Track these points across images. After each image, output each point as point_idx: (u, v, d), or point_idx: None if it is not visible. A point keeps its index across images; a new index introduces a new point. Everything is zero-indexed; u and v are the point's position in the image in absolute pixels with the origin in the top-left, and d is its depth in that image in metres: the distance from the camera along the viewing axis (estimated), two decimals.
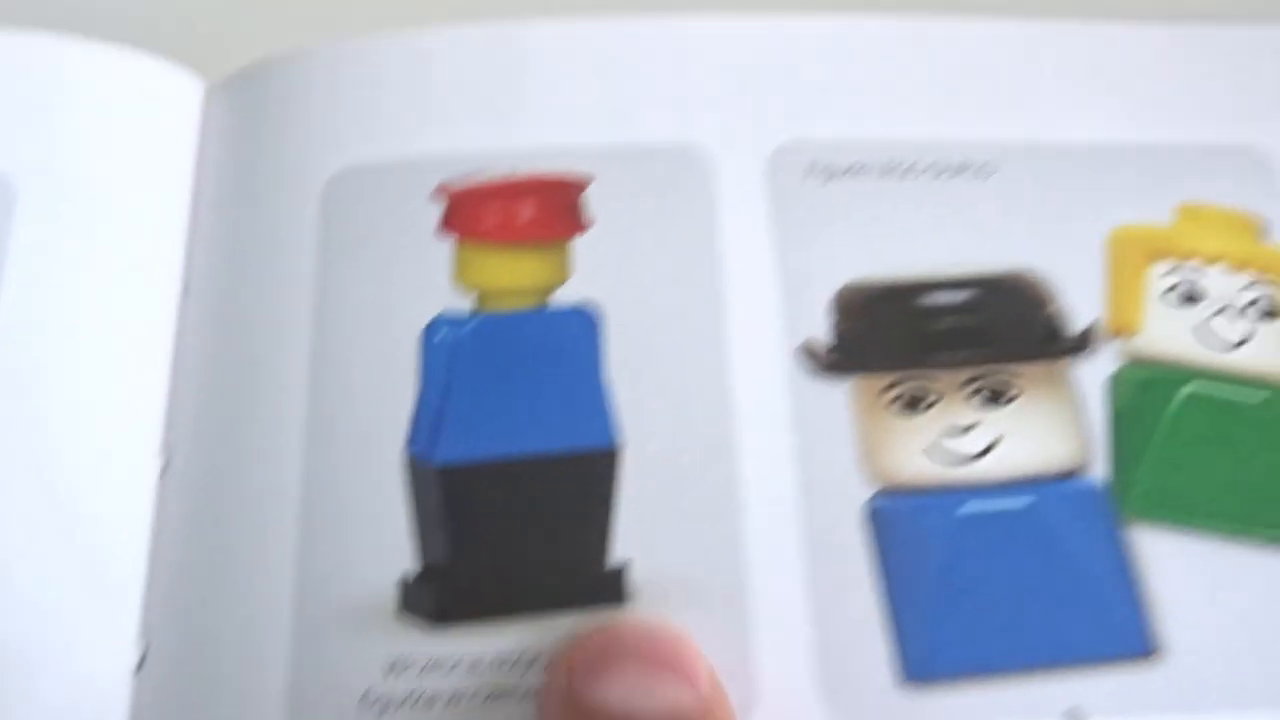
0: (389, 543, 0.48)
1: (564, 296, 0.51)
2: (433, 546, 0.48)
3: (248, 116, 0.55)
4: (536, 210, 0.50)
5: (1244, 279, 0.53)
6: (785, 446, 0.50)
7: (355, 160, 0.53)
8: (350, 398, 0.50)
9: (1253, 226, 0.55)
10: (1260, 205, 0.55)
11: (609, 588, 0.48)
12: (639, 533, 0.48)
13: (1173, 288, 0.53)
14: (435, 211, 0.52)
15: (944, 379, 0.50)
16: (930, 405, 0.50)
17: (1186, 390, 0.52)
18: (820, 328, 0.51)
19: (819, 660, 0.47)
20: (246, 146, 0.54)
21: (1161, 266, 0.53)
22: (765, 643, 0.47)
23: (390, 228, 0.52)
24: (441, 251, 0.51)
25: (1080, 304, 0.53)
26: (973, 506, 0.49)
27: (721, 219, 0.53)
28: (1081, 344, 0.52)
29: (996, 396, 0.50)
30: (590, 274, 0.51)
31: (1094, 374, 0.52)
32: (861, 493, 0.49)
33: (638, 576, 0.48)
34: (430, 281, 0.51)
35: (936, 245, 0.53)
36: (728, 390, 0.50)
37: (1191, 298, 0.53)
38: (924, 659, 0.47)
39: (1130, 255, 0.54)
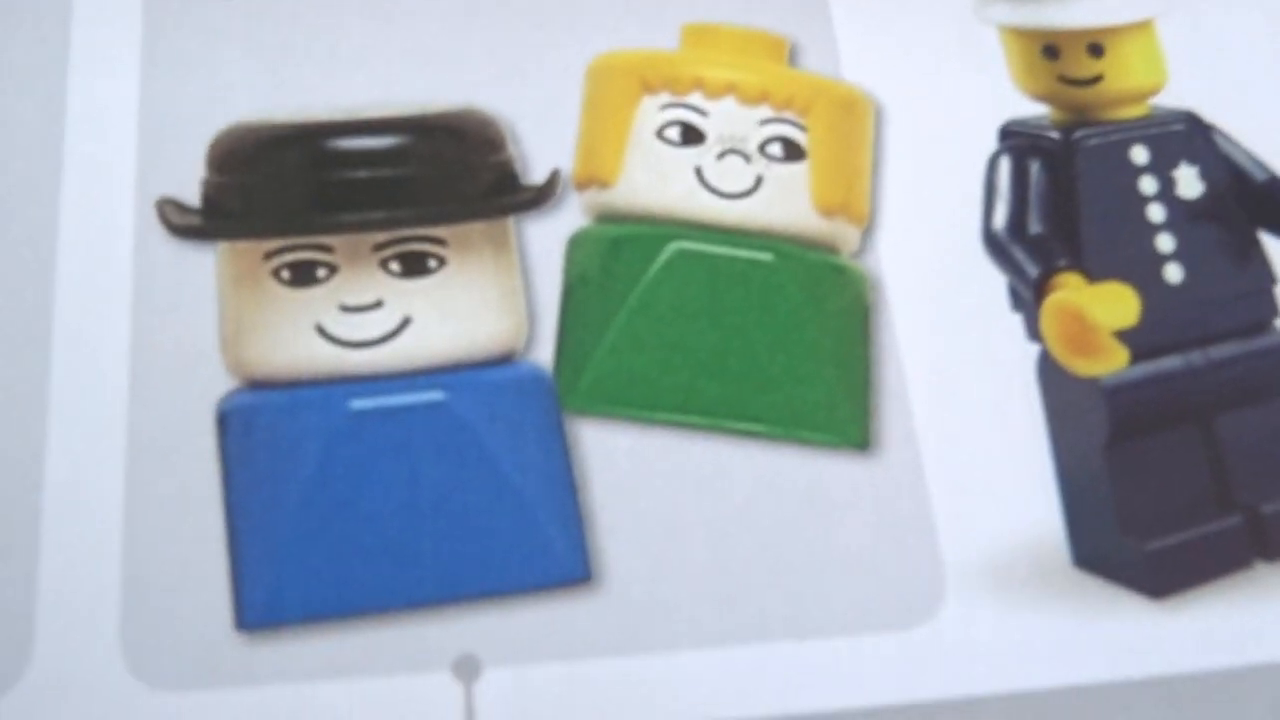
0: None
1: None
2: None
3: None
4: None
5: (759, 114, 0.43)
6: (120, 334, 0.39)
7: None
8: None
9: (777, 49, 0.44)
10: (793, 22, 0.45)
11: None
12: None
13: (667, 126, 0.42)
14: None
15: (347, 245, 0.39)
16: (325, 277, 0.39)
17: (670, 249, 0.41)
18: (193, 180, 0.40)
19: (125, 607, 0.36)
20: None
21: (655, 101, 0.43)
22: (50, 589, 0.36)
23: None
24: None
25: (545, 149, 0.42)
26: (362, 402, 0.38)
27: (74, 50, 0.42)
28: (532, 199, 0.40)
29: (413, 266, 0.39)
30: None
31: (552, 235, 0.41)
32: (218, 389, 0.38)
33: None
34: None
35: (370, 76, 0.43)
36: (49, 264, 0.39)
37: (691, 138, 0.42)
38: (269, 598, 0.37)
39: (615, 88, 0.43)
